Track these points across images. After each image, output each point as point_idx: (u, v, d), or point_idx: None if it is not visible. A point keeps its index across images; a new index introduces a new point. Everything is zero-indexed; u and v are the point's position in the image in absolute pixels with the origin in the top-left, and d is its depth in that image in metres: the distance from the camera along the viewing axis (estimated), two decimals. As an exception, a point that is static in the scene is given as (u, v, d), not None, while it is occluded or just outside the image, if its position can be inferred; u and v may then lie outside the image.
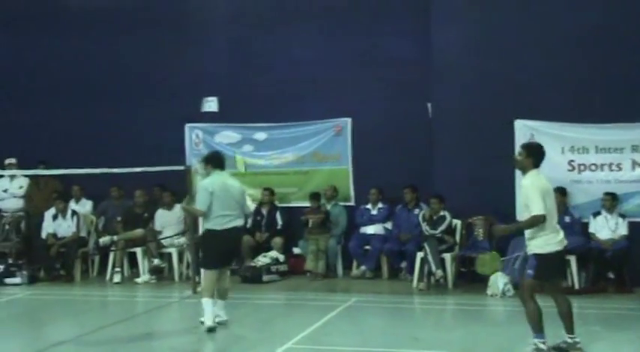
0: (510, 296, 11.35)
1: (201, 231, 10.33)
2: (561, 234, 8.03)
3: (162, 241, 13.59)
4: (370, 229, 13.63)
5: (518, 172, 12.52)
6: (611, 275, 11.90)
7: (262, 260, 13.36)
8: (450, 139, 13.04)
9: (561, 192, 12.23)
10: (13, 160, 14.38)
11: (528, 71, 12.55)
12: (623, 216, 12.11)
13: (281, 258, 13.57)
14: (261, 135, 14.65)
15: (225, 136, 14.80)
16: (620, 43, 12.22)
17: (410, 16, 13.72)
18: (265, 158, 14.64)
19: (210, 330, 9.37)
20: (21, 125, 14.96)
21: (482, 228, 12.62)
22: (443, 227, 12.58)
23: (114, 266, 13.58)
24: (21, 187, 14.69)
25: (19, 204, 14.67)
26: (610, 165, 12.41)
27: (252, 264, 13.29)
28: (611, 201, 12.11)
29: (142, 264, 13.55)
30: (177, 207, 13.71)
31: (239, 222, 9.68)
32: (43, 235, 13.94)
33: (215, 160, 9.82)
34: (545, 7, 12.61)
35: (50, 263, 13.68)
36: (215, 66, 14.63)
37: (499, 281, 11.54)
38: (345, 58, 14.06)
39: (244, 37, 14.55)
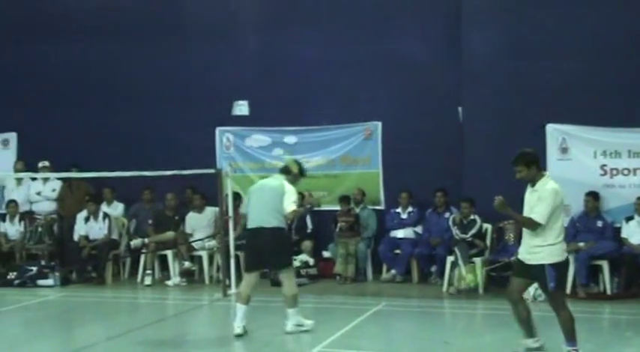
0: (541, 300, 11.26)
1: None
2: (565, 244, 8.00)
3: (193, 244, 13.65)
4: (400, 233, 13.60)
5: (550, 177, 12.64)
6: (644, 281, 11.81)
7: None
8: (480, 143, 13.00)
9: (594, 196, 12.16)
10: (46, 163, 14.52)
11: (560, 75, 12.47)
12: (656, 220, 12.02)
13: (311, 261, 13.59)
14: (291, 139, 14.67)
15: (256, 140, 14.84)
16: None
17: (440, 19, 13.69)
18: (295, 161, 14.64)
19: (237, 336, 9.35)
20: (54, 129, 15.09)
21: (512, 233, 12.53)
22: (473, 231, 12.53)
23: (145, 269, 13.67)
24: (54, 190, 14.84)
25: (52, 206, 14.82)
26: (643, 169, 12.33)
27: (282, 268, 13.31)
28: (645, 206, 12.00)
29: (173, 267, 13.62)
30: (208, 210, 13.81)
31: (265, 223, 9.37)
32: (75, 237, 14.08)
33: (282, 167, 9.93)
34: (578, 11, 12.53)
35: (82, 265, 13.80)
36: (246, 70, 14.68)
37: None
38: (376, 62, 14.04)
39: (275, 41, 14.59)
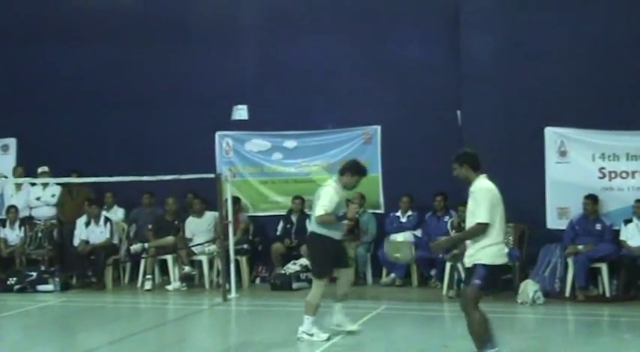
0: (540, 303, 11.32)
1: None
2: (504, 249, 7.74)
3: (193, 248, 13.67)
4: (400, 237, 13.62)
5: (549, 180, 12.71)
6: (643, 283, 11.84)
7: (292, 267, 13.39)
8: (479, 147, 12.85)
9: (593, 199, 12.19)
10: (46, 168, 14.54)
11: (559, 78, 12.51)
12: (654, 223, 12.04)
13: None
14: (290, 143, 14.70)
15: (255, 144, 14.86)
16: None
17: (439, 23, 13.71)
18: (295, 166, 14.68)
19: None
20: (54, 134, 15.09)
21: (512, 236, 12.56)
22: (472, 234, 12.53)
23: (145, 274, 13.69)
24: (53, 195, 14.86)
25: (51, 212, 14.83)
26: (641, 172, 12.37)
27: (282, 272, 13.34)
28: (643, 208, 12.03)
29: (173, 272, 13.64)
30: (208, 215, 13.83)
31: (311, 227, 9.59)
32: (76, 243, 14.08)
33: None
34: (576, 14, 12.57)
35: (82, 270, 13.81)
36: (245, 74, 14.70)
37: (529, 289, 11.50)
38: (375, 66, 14.07)
39: (274, 45, 14.62)
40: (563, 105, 12.53)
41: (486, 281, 7.52)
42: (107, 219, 14.15)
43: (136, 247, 14.06)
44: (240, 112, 14.88)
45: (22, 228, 14.60)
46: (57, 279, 13.48)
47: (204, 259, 13.65)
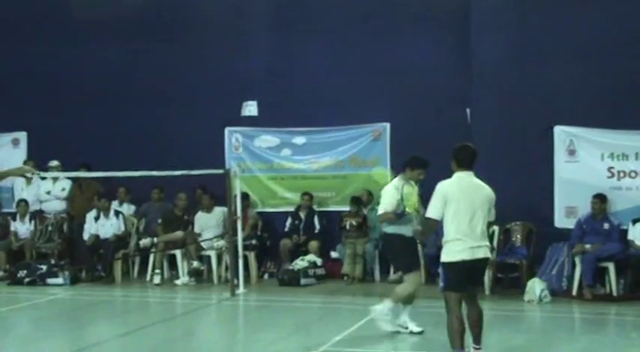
0: (547, 302, 11.35)
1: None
2: (467, 244, 7.44)
3: (202, 244, 13.73)
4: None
5: (557, 178, 12.72)
6: (650, 283, 11.85)
7: (300, 263, 13.46)
8: (488, 145, 12.97)
9: (601, 198, 12.20)
10: (56, 163, 14.62)
11: (568, 77, 12.51)
12: (662, 223, 12.06)
13: (318, 261, 13.65)
14: (300, 140, 14.74)
15: (265, 140, 14.91)
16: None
17: (450, 22, 13.71)
18: (304, 162, 14.72)
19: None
20: (64, 128, 15.16)
21: (520, 234, 12.61)
22: (481, 232, 12.55)
23: (154, 268, 13.76)
24: (63, 189, 14.95)
25: (61, 206, 14.93)
26: (650, 171, 12.37)
27: (290, 268, 13.41)
28: (652, 208, 12.05)
29: (182, 266, 13.71)
30: (217, 210, 13.89)
31: (382, 228, 9.64)
32: (85, 237, 14.16)
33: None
34: (586, 14, 12.57)
35: (91, 264, 13.89)
36: (255, 70, 14.75)
37: (536, 287, 11.52)
38: (385, 64, 14.08)
39: (284, 42, 14.65)
40: (573, 104, 12.53)
41: (447, 280, 7.53)
42: (118, 212, 14.25)
43: (145, 241, 14.15)
44: (250, 108, 14.93)
45: (33, 222, 14.72)
46: (66, 273, 13.56)
47: (212, 254, 13.72)
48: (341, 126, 14.41)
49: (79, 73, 15.35)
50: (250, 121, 14.95)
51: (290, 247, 14.03)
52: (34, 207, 14.97)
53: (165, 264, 14.01)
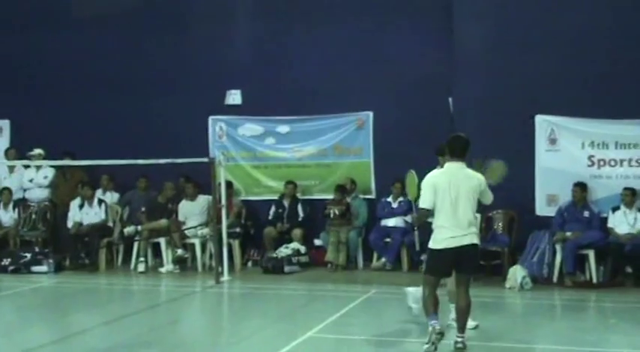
0: (528, 289, 11.48)
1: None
2: (449, 233, 7.74)
3: (186, 232, 13.78)
4: (391, 222, 13.76)
5: (538, 167, 12.84)
6: (629, 270, 12.01)
7: (284, 251, 13.54)
8: (470, 133, 12.98)
9: (581, 186, 12.34)
10: (38, 151, 14.61)
11: (550, 66, 12.61)
12: (642, 211, 12.21)
13: (302, 249, 13.73)
14: (283, 128, 14.78)
15: (248, 129, 14.95)
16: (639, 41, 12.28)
17: (433, 11, 13.75)
18: (287, 151, 14.78)
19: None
20: (48, 116, 15.14)
21: (501, 222, 12.74)
22: (463, 220, 12.65)
23: (138, 256, 13.80)
24: (46, 177, 14.94)
25: (44, 194, 14.92)
26: (630, 160, 12.50)
27: (274, 255, 13.48)
28: (631, 197, 12.18)
29: (166, 254, 13.76)
30: (201, 198, 13.96)
31: None
32: (69, 225, 14.18)
33: None
34: (567, 3, 12.68)
35: (76, 252, 13.91)
36: (239, 59, 14.77)
37: (517, 274, 11.65)
38: (368, 53, 14.13)
39: (268, 31, 14.68)
40: (554, 93, 12.64)
41: (428, 265, 7.98)
42: (101, 201, 14.27)
43: (129, 230, 14.19)
44: (234, 97, 14.96)
45: (16, 210, 14.72)
46: (51, 261, 13.59)
47: (197, 242, 13.77)
48: (325, 114, 14.47)
49: (63, 61, 15.31)
50: (234, 110, 14.97)
51: (274, 235, 14.11)
52: (17, 195, 14.97)
53: (150, 252, 14.05)
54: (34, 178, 14.96)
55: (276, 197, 14.55)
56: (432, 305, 7.87)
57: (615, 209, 12.27)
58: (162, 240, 13.80)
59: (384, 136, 14.10)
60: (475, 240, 7.86)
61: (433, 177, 7.99)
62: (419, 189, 8.32)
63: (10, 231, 14.51)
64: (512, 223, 12.77)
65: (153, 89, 14.90)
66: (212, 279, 12.38)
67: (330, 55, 14.34)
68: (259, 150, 14.89)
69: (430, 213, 7.92)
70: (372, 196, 14.32)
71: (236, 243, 13.82)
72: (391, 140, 13.93)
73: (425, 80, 13.75)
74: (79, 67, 15.27)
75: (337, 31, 14.33)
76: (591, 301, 11.21)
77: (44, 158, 14.58)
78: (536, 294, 11.32)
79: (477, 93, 13.00)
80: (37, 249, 13.89)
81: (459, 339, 7.84)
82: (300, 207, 14.28)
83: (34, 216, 14.58)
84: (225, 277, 12.51)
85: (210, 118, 15.04)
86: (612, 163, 12.59)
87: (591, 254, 12.02)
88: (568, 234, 12.11)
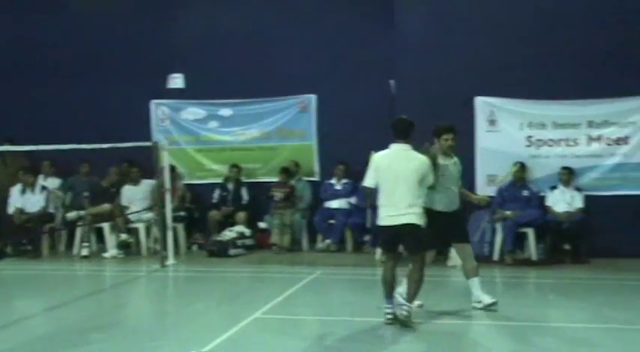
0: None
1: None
2: (388, 212, 8.02)
3: (130, 216, 13.73)
4: (334, 204, 13.88)
5: (479, 148, 13.05)
6: (567, 247, 12.30)
7: (228, 234, 13.58)
8: (412, 115, 13.14)
9: (520, 166, 12.59)
10: (-21, 137, 14.40)
11: (489, 49, 12.81)
12: (579, 189, 12.53)
13: (247, 232, 13.79)
14: (226, 112, 14.79)
15: (191, 113, 14.93)
16: (576, 24, 12.54)
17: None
18: (231, 134, 14.80)
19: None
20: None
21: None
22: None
23: (82, 242, 13.71)
24: (-16, 164, 14.75)
25: (-16, 180, 14.72)
26: (566, 140, 12.78)
27: (219, 239, 13.51)
28: (568, 175, 12.49)
29: (110, 239, 13.69)
30: (144, 183, 13.92)
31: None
32: (10, 211, 14.01)
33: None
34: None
35: (18, 238, 13.76)
36: (181, 43, 14.73)
37: (459, 253, 11.84)
38: (311, 37, 14.22)
39: (210, 14, 14.64)
40: (493, 75, 12.84)
41: (377, 239, 8.46)
42: (43, 187, 14.12)
43: (71, 215, 14.08)
44: (176, 81, 14.91)
45: (-44, 197, 14.47)
46: (-8, 247, 13.44)
47: (141, 227, 13.73)
48: (268, 97, 14.50)
49: (1, 47, 15.06)
50: (177, 94, 14.93)
51: (218, 218, 14.14)
52: (-43, 181, 14.74)
53: (93, 238, 13.96)
54: (-27, 164, 14.75)
55: (220, 180, 14.57)
56: (387, 286, 8.22)
57: (553, 188, 12.58)
58: (105, 225, 13.73)
59: (327, 119, 14.20)
60: (414, 220, 8.02)
61: (377, 156, 8.26)
62: None
63: (-50, 219, 14.28)
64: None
65: (94, 73, 14.79)
66: (157, 263, 12.37)
67: (272, 39, 14.35)
68: (202, 133, 14.88)
69: (374, 191, 8.20)
70: (316, 178, 14.42)
71: (180, 227, 13.82)
72: (334, 123, 14.04)
73: (367, 63, 13.89)
74: (17, 53, 15.09)
75: (281, 15, 14.39)
76: (531, 278, 11.49)
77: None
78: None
79: (419, 75, 13.14)
80: (-23, 236, 13.72)
81: (405, 307, 8.13)
82: (244, 190, 14.33)
83: (-27, 203, 14.37)
84: (170, 261, 12.52)
85: (153, 102, 14.98)
86: (550, 143, 12.86)
87: (530, 232, 12.30)
88: (508, 212, 12.37)
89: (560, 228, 12.26)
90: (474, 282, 8.95)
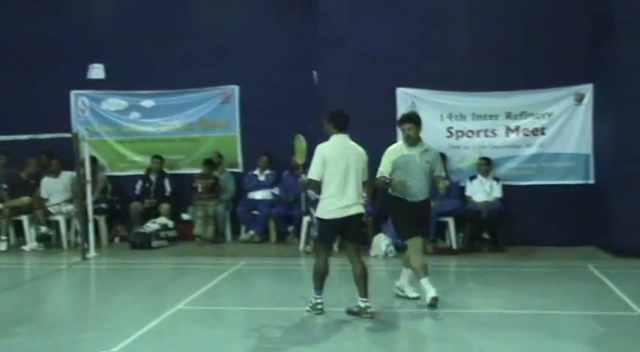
0: (393, 256, 11.86)
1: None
2: (341, 203, 8.04)
3: (50, 208, 13.52)
4: (258, 194, 13.92)
5: (399, 138, 13.16)
6: (486, 236, 12.61)
7: (151, 226, 13.50)
8: (335, 106, 13.23)
9: (441, 157, 12.76)
10: None
11: (410, 41, 12.98)
12: (497, 179, 12.80)
13: (170, 224, 13.72)
14: (148, 102, 14.68)
15: (112, 103, 14.77)
16: (496, 17, 12.79)
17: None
18: (153, 125, 14.69)
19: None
20: None
21: (365, 192, 12.99)
22: (328, 191, 12.92)
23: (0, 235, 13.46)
24: None
25: None
26: (485, 131, 13.04)
27: (141, 231, 13.41)
28: (486, 166, 12.75)
29: (29, 232, 13.46)
30: (64, 175, 13.72)
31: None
32: None
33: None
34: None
35: None
36: (101, 32, 14.55)
37: (382, 242, 12.04)
38: (233, 27, 14.20)
39: (130, 4, 14.50)
40: (414, 67, 13.01)
41: (319, 234, 8.24)
42: (-41, 180, 13.83)
43: (-12, 208, 13.81)
44: (97, 71, 14.72)
45: None
46: None
47: (61, 219, 13.54)
48: (189, 88, 14.43)
49: None
50: (97, 84, 14.75)
51: (141, 210, 14.03)
52: None
53: (12, 231, 13.71)
54: None
55: (142, 172, 14.45)
56: (320, 278, 8.24)
57: (472, 178, 12.84)
58: (24, 218, 13.49)
59: (250, 110, 14.21)
60: (361, 210, 8.22)
61: (323, 148, 8.19)
62: (309, 152, 8.54)
63: None
64: (375, 193, 13.06)
65: (12, 63, 14.52)
66: (78, 256, 12.25)
67: (194, 29, 14.32)
68: (124, 124, 14.74)
69: (319, 184, 8.13)
70: (239, 170, 14.43)
71: (102, 219, 13.68)
72: (257, 114, 14.06)
73: (289, 54, 13.96)
74: None
75: (202, 6, 14.33)
76: (451, 266, 11.71)
77: None
78: (400, 261, 11.52)
79: (341, 66, 13.23)
80: None
81: (365, 304, 8.17)
82: (167, 182, 14.25)
83: None
84: (92, 253, 12.40)
85: (73, 93, 14.76)
86: (469, 134, 13.10)
87: (451, 221, 12.55)
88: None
89: (479, 218, 12.52)
90: (405, 273, 9.16)
